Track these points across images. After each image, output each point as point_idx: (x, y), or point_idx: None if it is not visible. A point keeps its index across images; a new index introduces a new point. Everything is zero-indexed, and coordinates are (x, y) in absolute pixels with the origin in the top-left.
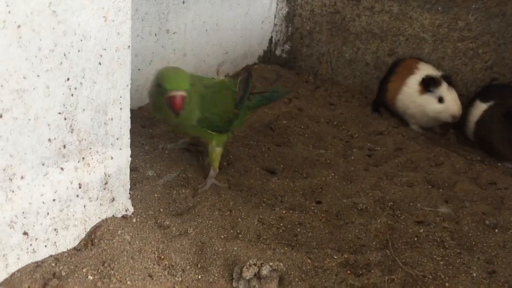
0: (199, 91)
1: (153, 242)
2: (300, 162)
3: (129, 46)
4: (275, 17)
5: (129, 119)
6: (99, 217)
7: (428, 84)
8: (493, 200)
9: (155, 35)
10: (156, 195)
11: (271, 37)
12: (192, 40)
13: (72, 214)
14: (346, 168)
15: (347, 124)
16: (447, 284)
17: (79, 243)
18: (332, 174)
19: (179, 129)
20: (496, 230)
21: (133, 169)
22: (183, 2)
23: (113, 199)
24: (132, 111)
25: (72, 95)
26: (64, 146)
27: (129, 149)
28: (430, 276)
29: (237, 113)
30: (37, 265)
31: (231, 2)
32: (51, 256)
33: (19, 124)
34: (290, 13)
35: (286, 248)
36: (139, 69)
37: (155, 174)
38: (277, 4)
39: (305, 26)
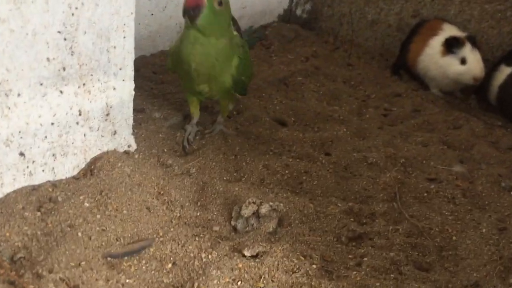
0: (235, 50)
1: (153, 178)
2: (312, 117)
3: None
4: None
5: (133, 49)
6: (99, 149)
7: (451, 45)
8: (511, 164)
9: None
10: (161, 136)
11: None
12: None
13: (72, 141)
14: (360, 125)
15: (364, 84)
16: (454, 238)
17: (78, 173)
18: (344, 129)
19: (201, 94)
20: None
21: (139, 110)
22: None
23: (115, 132)
24: (144, 57)
25: (72, 14)
26: (64, 69)
27: (133, 82)
28: (436, 229)
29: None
30: (34, 188)
31: None
32: (48, 181)
33: (16, 37)
34: None
35: (289, 193)
36: (152, 14)
37: (161, 117)
38: None
39: None
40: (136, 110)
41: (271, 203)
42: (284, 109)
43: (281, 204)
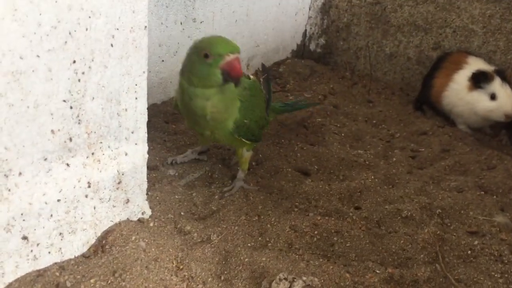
0: (238, 93)
1: (171, 250)
2: (336, 163)
3: (145, 26)
4: (309, 9)
5: (146, 110)
6: (111, 220)
7: (478, 80)
8: None
9: (181, 23)
10: (176, 197)
11: (305, 30)
12: (221, 30)
13: (80, 216)
14: (388, 171)
15: (387, 122)
16: None
17: (88, 250)
18: (372, 177)
19: (204, 136)
20: None
21: (153, 167)
22: None
23: (128, 201)
24: (155, 105)
25: (79, 80)
26: (70, 139)
27: (146, 144)
28: None
29: (267, 120)
30: (39, 274)
31: None
32: (55, 263)
33: (15, 112)
34: (326, 4)
35: (321, 260)
36: (162, 60)
37: (176, 174)
38: None
39: (342, 18)
40: (149, 168)
41: (304, 278)
42: (306, 156)
43: (316, 279)
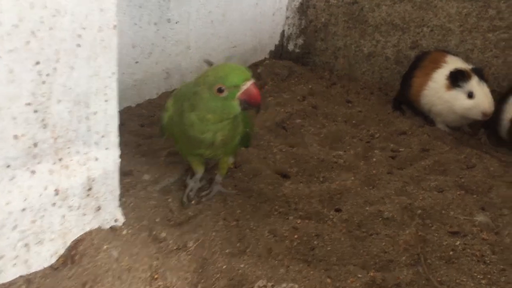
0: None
1: (145, 259)
2: (316, 165)
3: (115, 25)
4: (287, 9)
5: (117, 113)
6: (81, 229)
7: (456, 78)
8: None
9: (155, 24)
10: (152, 202)
11: (283, 30)
12: (196, 31)
13: (48, 226)
14: (368, 171)
15: (366, 123)
16: None
17: (57, 261)
18: (352, 178)
19: (198, 156)
20: None
21: (126, 173)
22: None
23: (99, 208)
24: (129, 108)
25: (43, 82)
26: (35, 145)
27: (118, 148)
28: None
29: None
30: None
31: None
32: (21, 277)
33: None
34: (304, 4)
35: (301, 265)
36: (136, 62)
37: (151, 179)
38: None
39: (320, 18)
40: (122, 174)
41: (284, 285)
42: (285, 158)
43: (296, 286)
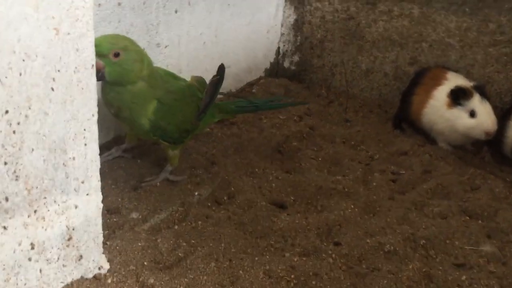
0: (159, 95)
1: None
2: (314, 192)
3: (92, 65)
4: (282, 26)
5: (98, 156)
6: (61, 282)
7: (457, 96)
8: None
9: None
10: (139, 244)
11: (278, 48)
12: (188, 54)
13: (24, 282)
14: (368, 198)
15: (365, 143)
16: None
17: None
18: (352, 206)
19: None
20: None
21: (114, 211)
22: (176, 11)
23: (81, 257)
24: (119, 137)
25: (14, 132)
26: (7, 199)
27: (100, 193)
28: None
29: (196, 124)
30: None
31: (231, 10)
32: None
33: None
34: (299, 20)
35: None
36: None
37: (140, 216)
38: (283, 11)
39: (316, 34)
40: (109, 212)
41: None
42: (282, 186)
43: None
